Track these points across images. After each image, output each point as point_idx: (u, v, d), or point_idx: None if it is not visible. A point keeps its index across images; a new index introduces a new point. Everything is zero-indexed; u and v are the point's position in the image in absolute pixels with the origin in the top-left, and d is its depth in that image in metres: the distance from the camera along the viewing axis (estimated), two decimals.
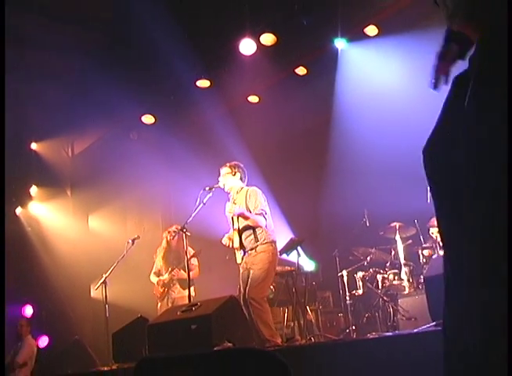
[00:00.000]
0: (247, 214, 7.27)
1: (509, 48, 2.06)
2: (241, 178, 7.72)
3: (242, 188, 7.68)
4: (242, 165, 7.81)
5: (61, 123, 12.38)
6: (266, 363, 2.23)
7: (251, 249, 7.27)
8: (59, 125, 12.51)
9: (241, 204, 7.43)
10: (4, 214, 8.42)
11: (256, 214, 7.28)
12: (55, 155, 13.49)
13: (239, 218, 7.38)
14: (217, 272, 10.37)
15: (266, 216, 7.35)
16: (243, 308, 6.87)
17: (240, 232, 7.39)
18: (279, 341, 7.06)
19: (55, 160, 13.48)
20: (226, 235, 7.61)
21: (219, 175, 7.78)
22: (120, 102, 10.46)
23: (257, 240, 7.26)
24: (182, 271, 8.99)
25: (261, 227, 7.28)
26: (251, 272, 7.14)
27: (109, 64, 10.22)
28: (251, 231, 7.31)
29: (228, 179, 7.69)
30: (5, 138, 8.64)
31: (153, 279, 9.40)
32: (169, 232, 9.49)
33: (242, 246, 7.36)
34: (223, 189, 7.74)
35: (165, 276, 9.23)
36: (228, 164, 7.74)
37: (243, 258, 7.35)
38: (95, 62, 10.68)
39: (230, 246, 7.52)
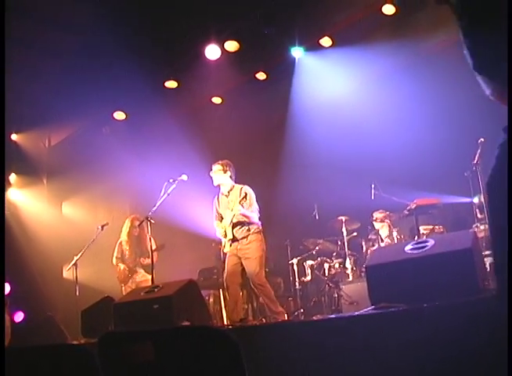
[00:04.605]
0: (248, 214, 7.58)
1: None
2: (231, 176, 7.89)
3: (233, 186, 7.87)
4: (232, 164, 7.96)
5: (40, 116, 12.23)
6: (218, 339, 2.22)
7: (243, 238, 7.59)
8: (37, 118, 12.36)
9: (235, 200, 7.64)
10: (4, 213, 8.26)
11: (252, 211, 7.63)
12: (33, 146, 13.30)
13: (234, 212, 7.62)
14: (178, 257, 10.33)
15: (258, 213, 7.74)
16: (229, 287, 7.56)
17: (234, 224, 7.63)
18: (283, 311, 7.74)
19: (33, 151, 13.31)
20: (220, 229, 7.82)
21: (211, 170, 7.92)
22: (94, 99, 10.37)
23: (248, 231, 7.60)
24: (147, 259, 8.96)
25: (253, 221, 7.64)
26: (246, 262, 7.52)
27: (84, 64, 10.11)
28: (244, 224, 7.62)
29: (219, 176, 7.86)
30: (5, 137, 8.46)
31: (117, 263, 9.36)
32: (133, 218, 9.44)
33: (234, 236, 7.61)
34: (185, 181, 7.89)
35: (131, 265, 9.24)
36: (220, 162, 7.90)
37: (231, 246, 7.63)
38: (72, 62, 10.56)
39: (224, 237, 7.75)
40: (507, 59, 2.11)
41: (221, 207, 7.91)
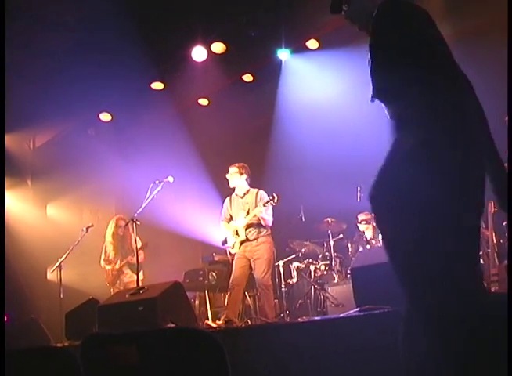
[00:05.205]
0: (266, 217, 7.78)
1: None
2: (246, 179, 8.06)
3: (249, 189, 8.06)
4: (248, 167, 8.11)
5: (24, 118, 12.14)
6: (203, 341, 2.21)
7: (254, 239, 7.76)
8: (22, 120, 12.28)
9: (251, 203, 7.88)
10: (4, 213, 8.19)
11: (268, 215, 7.83)
12: (18, 147, 13.21)
13: (249, 214, 7.81)
14: (164, 259, 10.30)
15: (272, 216, 7.92)
16: (234, 288, 7.66)
17: (248, 226, 7.81)
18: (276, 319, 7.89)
19: (17, 152, 13.22)
20: (229, 229, 8.02)
21: (227, 172, 8.06)
22: (79, 100, 10.33)
23: (259, 232, 7.78)
24: (134, 257, 8.93)
25: (268, 224, 7.85)
26: (256, 262, 7.69)
27: (69, 65, 10.05)
28: (257, 225, 7.80)
29: (235, 178, 8.03)
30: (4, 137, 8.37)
31: (105, 265, 9.34)
32: (118, 219, 9.42)
33: (246, 237, 7.79)
34: (171, 182, 7.99)
35: (117, 266, 9.21)
36: (236, 165, 8.07)
37: (240, 247, 7.80)
38: (57, 63, 10.50)
39: (235, 237, 7.92)
40: (507, 59, 2.17)
41: (234, 209, 8.08)
